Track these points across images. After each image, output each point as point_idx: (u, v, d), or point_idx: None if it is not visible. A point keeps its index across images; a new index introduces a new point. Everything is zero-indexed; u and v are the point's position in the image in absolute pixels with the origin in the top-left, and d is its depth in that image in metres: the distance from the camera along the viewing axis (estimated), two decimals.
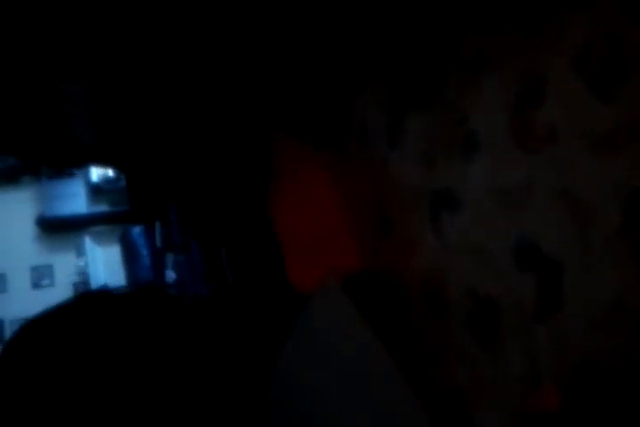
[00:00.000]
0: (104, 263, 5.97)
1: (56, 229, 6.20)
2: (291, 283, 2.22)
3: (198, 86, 2.18)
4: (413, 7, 1.76)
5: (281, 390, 2.03)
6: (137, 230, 4.94)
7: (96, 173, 6.06)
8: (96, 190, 6.24)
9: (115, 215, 5.97)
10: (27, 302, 5.17)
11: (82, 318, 2.23)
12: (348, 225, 2.25)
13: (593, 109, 1.23)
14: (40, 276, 6.04)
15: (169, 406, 2.11)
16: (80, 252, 6.12)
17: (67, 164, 2.99)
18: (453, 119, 1.65)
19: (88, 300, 2.41)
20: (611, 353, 1.22)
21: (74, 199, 6.19)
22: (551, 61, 1.33)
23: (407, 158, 1.90)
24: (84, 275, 5.96)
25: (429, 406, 1.73)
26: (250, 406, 2.09)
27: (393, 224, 2.02)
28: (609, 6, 1.20)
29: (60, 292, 5.73)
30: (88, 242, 6.12)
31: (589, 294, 1.28)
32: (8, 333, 5.57)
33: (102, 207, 6.21)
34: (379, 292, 2.04)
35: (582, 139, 1.27)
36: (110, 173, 5.83)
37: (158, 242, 3.87)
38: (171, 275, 3.77)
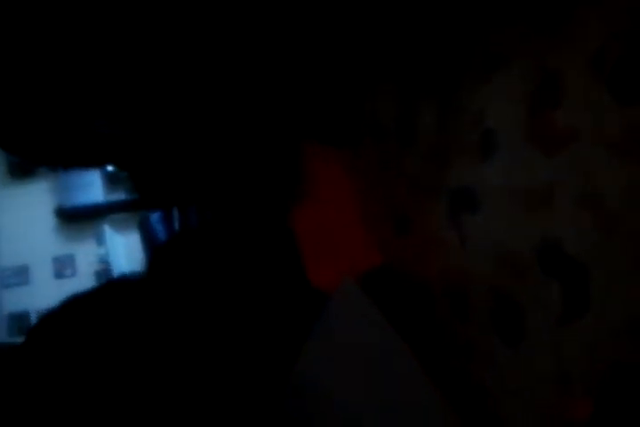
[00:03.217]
0: (125, 251, 6.00)
1: (75, 218, 6.22)
2: (311, 281, 2.20)
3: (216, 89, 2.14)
4: (429, 3, 1.71)
5: (301, 391, 2.02)
6: (155, 217, 4.93)
7: None
8: (112, 178, 6.22)
9: (132, 202, 5.96)
10: (51, 293, 5.20)
11: (97, 309, 2.23)
12: (366, 222, 2.22)
13: (613, 110, 1.19)
14: (62, 266, 6.07)
15: (181, 403, 2.12)
16: (100, 240, 6.14)
17: (80, 161, 2.94)
18: (469, 118, 1.61)
19: (104, 290, 2.41)
20: None
21: (90, 188, 6.19)
22: (570, 60, 1.28)
23: (422, 156, 1.86)
24: (105, 263, 5.99)
25: (456, 406, 1.72)
26: (265, 407, 2.09)
27: (411, 222, 1.98)
28: (629, 2, 1.15)
29: (82, 281, 5.77)
30: (107, 230, 6.13)
31: (618, 298, 1.24)
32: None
33: (119, 195, 6.21)
34: (400, 289, 2.01)
35: (603, 140, 1.22)
36: None
37: (177, 227, 3.86)
38: None
